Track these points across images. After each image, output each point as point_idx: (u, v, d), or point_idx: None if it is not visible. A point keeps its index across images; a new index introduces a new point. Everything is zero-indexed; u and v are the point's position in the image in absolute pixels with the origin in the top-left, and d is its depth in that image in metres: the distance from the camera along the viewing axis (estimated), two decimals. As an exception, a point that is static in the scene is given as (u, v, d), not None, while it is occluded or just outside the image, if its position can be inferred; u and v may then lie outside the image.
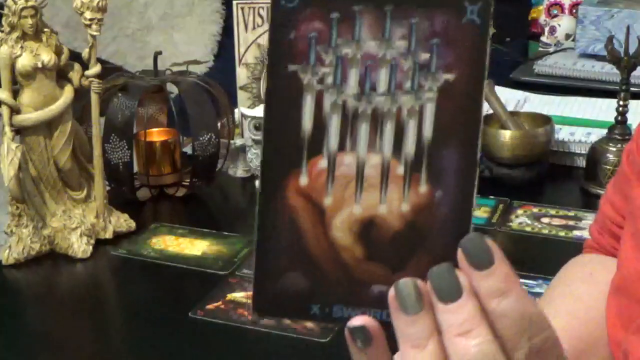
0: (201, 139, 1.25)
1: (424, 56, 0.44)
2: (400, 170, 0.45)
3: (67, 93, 1.12)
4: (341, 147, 0.45)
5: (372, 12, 0.44)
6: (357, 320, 0.44)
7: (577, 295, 0.75)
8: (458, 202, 0.45)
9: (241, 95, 1.38)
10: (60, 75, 1.12)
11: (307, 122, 0.45)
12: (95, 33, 1.11)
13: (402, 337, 0.43)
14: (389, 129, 0.45)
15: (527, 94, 1.63)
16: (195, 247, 1.15)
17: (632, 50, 1.23)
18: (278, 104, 0.45)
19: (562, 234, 1.16)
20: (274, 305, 0.46)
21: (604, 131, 1.31)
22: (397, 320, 0.43)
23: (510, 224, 1.19)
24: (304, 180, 0.45)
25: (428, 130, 0.45)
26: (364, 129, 0.45)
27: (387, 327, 0.44)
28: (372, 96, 0.45)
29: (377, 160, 0.45)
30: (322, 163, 0.45)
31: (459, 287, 0.42)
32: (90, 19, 1.10)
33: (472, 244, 0.42)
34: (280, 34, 0.45)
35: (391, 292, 0.43)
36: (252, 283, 0.46)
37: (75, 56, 1.14)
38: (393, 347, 0.44)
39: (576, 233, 1.16)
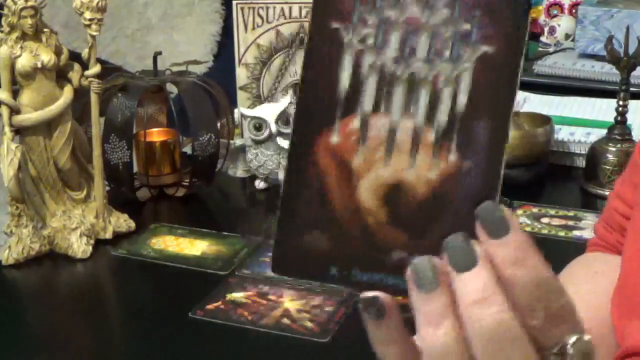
0: (201, 139, 1.25)
1: (465, 26, 0.44)
2: (431, 137, 0.45)
3: (67, 93, 1.12)
4: (375, 109, 0.45)
5: None
6: (371, 293, 0.44)
7: (581, 294, 0.74)
8: (485, 175, 0.45)
9: (241, 95, 1.38)
10: (60, 76, 1.12)
11: (345, 80, 0.45)
12: (95, 33, 1.11)
13: (419, 314, 0.43)
14: (424, 95, 0.45)
15: (526, 94, 1.63)
16: (195, 247, 1.15)
17: (631, 50, 1.23)
18: (317, 59, 0.45)
19: (561, 234, 1.16)
20: (293, 264, 0.46)
21: (604, 131, 1.31)
22: (414, 297, 0.43)
23: (510, 224, 1.19)
24: (335, 138, 0.45)
25: (462, 101, 0.44)
26: (399, 93, 0.45)
27: (406, 294, 0.44)
28: (410, 61, 0.45)
29: (410, 125, 0.45)
30: (355, 123, 0.45)
31: (474, 257, 0.42)
32: (90, 19, 1.10)
33: (487, 212, 0.42)
34: None
35: (408, 269, 0.43)
36: (274, 239, 0.46)
37: (75, 56, 1.14)
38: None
39: (576, 233, 1.16)
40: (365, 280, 0.45)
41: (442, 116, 0.45)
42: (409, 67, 0.45)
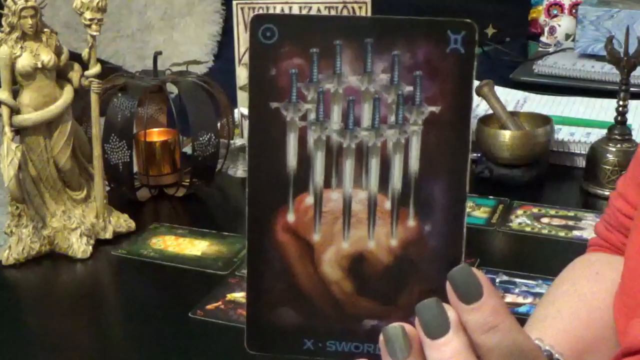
0: (201, 139, 1.25)
1: (408, 89, 0.44)
2: (387, 205, 0.45)
3: (67, 93, 1.12)
4: (327, 183, 0.45)
5: (352, 45, 0.44)
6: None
7: (581, 295, 0.75)
8: (448, 235, 0.45)
9: (241, 95, 1.38)
10: (60, 76, 1.12)
11: (292, 159, 0.45)
12: (95, 33, 1.11)
13: None
14: (374, 163, 0.45)
15: (527, 94, 1.63)
16: (195, 247, 1.15)
17: (631, 50, 1.23)
18: (262, 141, 0.45)
19: (561, 234, 1.16)
20: (267, 341, 0.46)
21: (604, 131, 1.31)
22: None
23: (510, 224, 1.19)
24: (291, 217, 0.45)
25: (414, 164, 0.44)
26: (349, 165, 0.45)
27: None
28: (356, 131, 0.44)
29: (364, 195, 0.45)
30: (309, 200, 0.45)
31: (446, 322, 0.42)
32: (90, 19, 1.10)
33: (460, 276, 0.42)
34: (260, 70, 0.44)
35: (381, 337, 0.43)
36: (246, 318, 0.46)
37: (75, 56, 1.14)
38: None
39: (576, 233, 1.16)
40: (341, 350, 0.46)
41: (396, 182, 0.45)
42: (355, 137, 0.44)
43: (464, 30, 0.43)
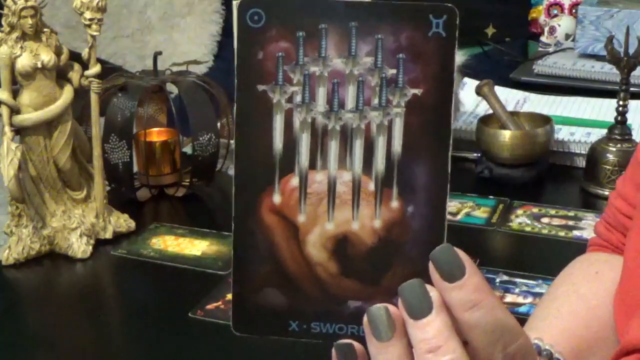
0: (201, 139, 1.25)
1: (391, 71, 0.45)
2: (371, 186, 0.45)
3: (67, 93, 1.12)
4: (312, 164, 0.46)
5: (337, 29, 0.45)
6: (345, 341, 0.45)
7: (581, 294, 0.75)
8: (431, 216, 0.45)
9: (241, 95, 1.38)
10: (60, 75, 1.12)
11: (278, 141, 0.45)
12: (95, 33, 1.11)
13: None
14: (358, 145, 0.45)
15: (527, 94, 1.63)
16: (195, 247, 1.15)
17: (631, 50, 1.23)
18: (248, 123, 0.46)
19: (561, 234, 1.16)
20: (252, 323, 0.47)
21: (604, 131, 1.31)
22: (370, 345, 0.44)
23: (510, 224, 1.19)
24: (277, 198, 0.46)
25: (397, 146, 0.45)
26: (333, 146, 0.45)
27: (365, 341, 0.45)
28: (340, 113, 0.45)
29: (348, 176, 0.46)
30: (294, 181, 0.46)
31: (428, 303, 0.42)
32: (90, 19, 1.10)
33: (442, 255, 0.43)
34: (247, 54, 0.45)
35: (365, 318, 0.44)
36: (232, 300, 0.47)
37: (75, 56, 1.14)
38: None
39: (576, 233, 1.16)
40: (325, 331, 0.47)
41: (379, 164, 0.45)
42: (340, 119, 0.45)
43: (445, 14, 0.44)
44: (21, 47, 1.07)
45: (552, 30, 2.00)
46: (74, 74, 1.13)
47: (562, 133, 1.41)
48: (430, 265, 0.43)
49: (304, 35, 0.45)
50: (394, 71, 0.45)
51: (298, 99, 0.45)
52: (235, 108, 0.45)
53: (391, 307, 0.43)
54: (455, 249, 0.43)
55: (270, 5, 0.45)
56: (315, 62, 0.45)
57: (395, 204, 0.45)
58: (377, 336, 0.43)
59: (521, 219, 1.20)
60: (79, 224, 1.13)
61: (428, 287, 0.43)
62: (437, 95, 0.45)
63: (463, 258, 0.43)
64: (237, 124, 0.45)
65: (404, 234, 0.45)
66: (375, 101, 0.45)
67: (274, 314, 0.47)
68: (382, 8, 0.44)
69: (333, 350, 0.45)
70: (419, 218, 0.45)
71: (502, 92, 1.52)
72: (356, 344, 0.45)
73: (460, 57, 1.37)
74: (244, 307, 0.47)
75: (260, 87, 0.45)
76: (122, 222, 1.18)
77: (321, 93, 0.45)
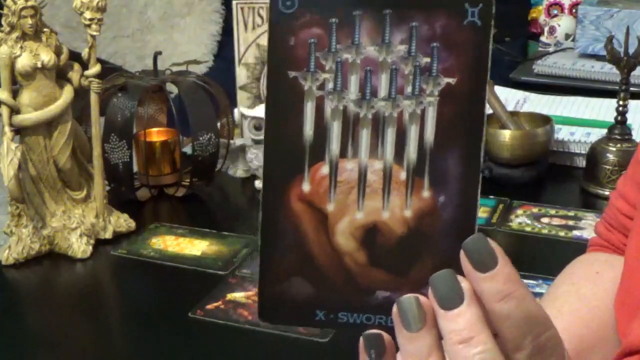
0: (201, 139, 1.25)
1: (425, 60, 0.44)
2: (402, 175, 0.45)
3: (67, 93, 1.12)
4: (343, 152, 0.45)
5: (371, 16, 0.44)
6: (374, 331, 0.45)
7: (581, 294, 0.75)
8: (461, 207, 0.45)
9: (241, 95, 1.38)
10: (60, 75, 1.12)
11: (309, 128, 0.45)
12: (95, 33, 1.11)
13: (403, 352, 0.43)
14: (390, 134, 0.45)
15: (527, 94, 1.63)
16: (195, 247, 1.15)
17: (631, 50, 1.23)
18: (279, 110, 0.45)
19: (561, 234, 1.16)
20: (279, 312, 0.46)
21: (604, 131, 1.31)
22: (399, 335, 0.43)
23: (510, 224, 1.19)
24: (306, 186, 0.45)
25: (430, 135, 0.44)
26: (365, 135, 0.45)
27: (392, 332, 0.44)
28: (373, 101, 0.45)
29: (379, 165, 0.45)
30: (324, 169, 0.45)
31: (460, 294, 0.42)
32: (90, 19, 1.10)
33: (475, 245, 0.42)
34: (279, 40, 0.44)
35: (394, 308, 0.43)
36: (257, 290, 0.46)
37: (75, 56, 1.14)
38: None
39: (576, 233, 1.16)
40: (352, 321, 0.46)
41: (412, 153, 0.45)
42: (372, 107, 0.45)
43: (481, 2, 0.44)
44: (21, 47, 1.07)
45: (552, 30, 2.00)
46: (74, 74, 1.13)
47: (562, 133, 1.41)
48: (462, 255, 0.42)
49: (337, 21, 0.44)
50: (427, 59, 0.44)
51: (330, 86, 0.45)
52: (265, 94, 0.45)
53: (421, 298, 0.43)
54: (488, 239, 0.43)
55: None
56: (348, 49, 0.44)
57: (426, 193, 0.45)
58: (407, 327, 0.43)
59: (521, 219, 1.20)
60: (79, 224, 1.13)
61: (459, 277, 0.42)
62: (471, 85, 0.44)
63: (495, 248, 0.42)
64: (268, 110, 0.45)
65: (434, 225, 0.45)
66: (409, 90, 0.44)
67: (300, 303, 0.46)
68: None
69: (360, 340, 0.45)
70: (450, 208, 0.45)
71: (502, 92, 1.52)
72: (385, 335, 0.44)
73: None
74: (269, 296, 0.46)
75: (292, 74, 0.44)
76: (122, 222, 1.18)
77: (353, 81, 0.45)
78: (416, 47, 0.44)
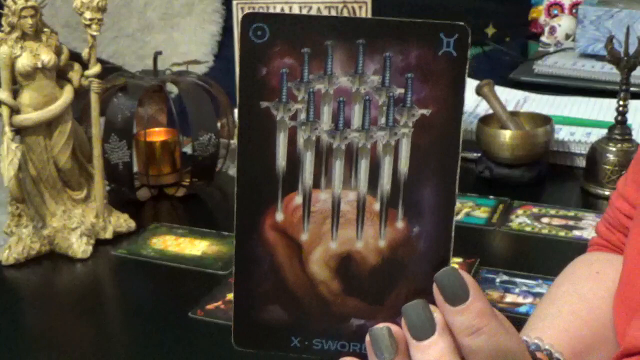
0: (201, 139, 1.25)
1: (399, 91, 0.44)
2: (376, 206, 0.45)
3: (67, 93, 1.12)
4: (316, 183, 0.45)
5: (344, 46, 0.43)
6: (347, 358, 0.45)
7: (581, 294, 0.74)
8: (436, 237, 0.45)
9: (241, 95, 1.38)
10: (60, 75, 1.12)
11: (281, 158, 0.45)
12: (95, 33, 1.11)
13: None
14: (364, 165, 0.45)
15: (527, 94, 1.63)
16: (195, 247, 1.15)
17: (632, 50, 1.23)
18: (251, 140, 0.45)
19: (562, 234, 1.16)
20: (254, 338, 0.47)
21: (604, 131, 1.31)
22: None
23: (510, 224, 1.19)
24: (279, 216, 0.45)
25: (404, 166, 0.44)
26: (338, 165, 0.45)
27: (367, 359, 0.45)
28: (346, 132, 0.44)
29: (353, 196, 0.45)
30: (298, 199, 0.45)
31: (432, 324, 0.42)
32: (90, 19, 1.10)
33: (446, 278, 0.42)
34: (251, 70, 0.44)
35: (367, 337, 0.44)
36: (233, 315, 0.47)
37: (75, 56, 1.14)
38: None
39: (576, 233, 1.16)
40: (327, 348, 0.46)
41: (385, 184, 0.45)
42: (345, 138, 0.44)
43: (457, 33, 0.43)
44: (21, 47, 1.07)
45: (552, 30, 2.00)
46: (74, 74, 1.13)
47: (562, 133, 1.41)
48: (435, 287, 0.42)
49: (310, 51, 0.43)
50: (402, 90, 0.44)
51: (302, 116, 0.44)
52: (237, 124, 0.45)
53: (394, 327, 0.43)
54: (461, 271, 0.43)
55: (275, 20, 0.43)
56: (321, 79, 0.44)
57: (400, 224, 0.45)
58: (379, 356, 0.43)
59: (521, 219, 1.20)
60: (79, 224, 1.13)
61: (432, 308, 0.43)
62: (447, 116, 0.44)
63: (468, 282, 0.42)
64: (240, 140, 0.45)
65: (409, 254, 0.45)
66: (382, 120, 0.44)
67: (275, 330, 0.46)
68: (390, 25, 0.43)
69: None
70: (424, 239, 0.45)
71: (502, 92, 1.52)
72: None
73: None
74: (245, 323, 0.47)
75: (264, 104, 0.44)
76: (122, 222, 1.18)
77: (326, 111, 0.44)
78: (390, 78, 0.44)
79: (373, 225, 0.45)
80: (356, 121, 0.44)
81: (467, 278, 0.42)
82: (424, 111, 0.44)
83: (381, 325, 0.43)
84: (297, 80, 0.44)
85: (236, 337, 0.47)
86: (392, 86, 0.44)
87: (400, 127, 0.44)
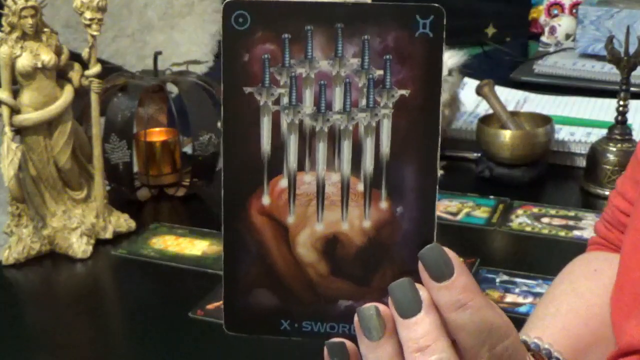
0: (201, 139, 1.25)
1: (378, 72, 0.45)
2: (360, 187, 0.46)
3: (67, 93, 1.12)
4: (301, 166, 0.46)
5: (323, 30, 0.44)
6: (337, 340, 0.46)
7: (580, 293, 0.75)
8: (419, 216, 0.45)
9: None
10: (60, 75, 1.12)
11: (266, 143, 0.46)
12: (95, 33, 1.11)
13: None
14: (346, 146, 0.46)
15: (527, 94, 1.63)
16: (195, 247, 1.15)
17: (632, 50, 1.23)
18: (236, 126, 0.46)
19: (562, 234, 1.16)
20: (244, 322, 0.47)
21: (604, 131, 1.31)
22: (361, 344, 0.44)
23: (510, 224, 1.19)
24: (266, 200, 0.46)
25: (385, 147, 0.45)
26: (322, 148, 0.46)
27: (356, 340, 0.45)
28: (328, 114, 0.45)
29: (337, 178, 0.46)
30: (283, 182, 0.46)
31: (418, 302, 0.43)
32: (90, 19, 1.10)
33: (430, 254, 0.43)
34: (233, 56, 0.45)
35: (356, 317, 0.44)
36: (223, 300, 0.47)
37: (75, 56, 1.14)
38: None
39: (576, 233, 1.16)
40: (317, 330, 0.47)
41: (368, 165, 0.45)
42: (327, 120, 0.45)
43: (432, 14, 0.44)
44: (21, 47, 1.07)
45: (553, 30, 2.00)
46: (74, 74, 1.13)
47: (562, 133, 1.41)
48: (420, 265, 0.43)
49: (290, 37, 0.44)
50: (381, 72, 0.45)
51: (285, 100, 0.45)
52: (222, 111, 0.45)
53: (381, 307, 0.44)
54: (445, 248, 0.43)
55: (256, 8, 0.44)
56: (302, 64, 0.45)
57: (384, 204, 0.46)
58: (368, 336, 0.44)
59: (521, 218, 1.20)
60: (79, 224, 1.13)
61: (418, 286, 0.43)
62: (425, 96, 0.45)
63: (452, 258, 0.43)
64: (225, 126, 0.45)
65: (393, 235, 0.46)
66: (363, 102, 0.45)
67: (265, 314, 0.47)
68: (368, 9, 0.44)
69: (324, 349, 0.46)
70: (408, 218, 0.45)
71: (502, 92, 1.52)
72: (348, 343, 0.45)
73: (460, 57, 1.37)
74: (235, 307, 0.47)
75: (247, 90, 0.45)
76: (122, 222, 1.18)
77: (308, 95, 0.45)
78: (369, 60, 0.45)
79: (358, 206, 0.46)
80: (337, 104, 0.45)
81: (451, 254, 0.43)
82: (403, 92, 0.45)
83: (369, 305, 0.44)
84: (279, 65, 0.45)
85: (227, 322, 0.47)
86: (372, 68, 0.45)
87: (380, 109, 0.45)
